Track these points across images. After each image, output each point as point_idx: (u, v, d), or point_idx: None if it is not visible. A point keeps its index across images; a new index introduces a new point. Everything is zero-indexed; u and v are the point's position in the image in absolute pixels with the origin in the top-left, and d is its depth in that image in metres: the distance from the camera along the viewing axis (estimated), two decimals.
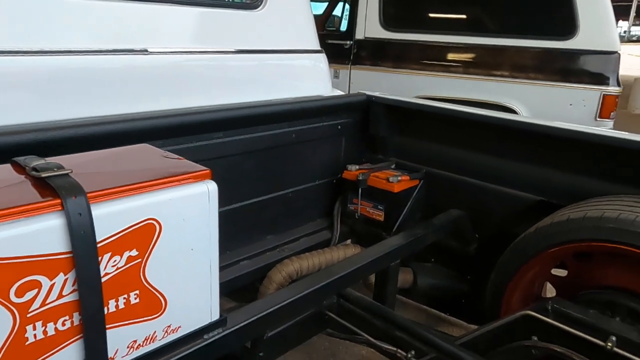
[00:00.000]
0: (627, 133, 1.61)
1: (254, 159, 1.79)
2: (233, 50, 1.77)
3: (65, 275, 0.78)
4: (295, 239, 1.99)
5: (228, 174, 1.69)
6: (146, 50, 1.48)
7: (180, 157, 1.03)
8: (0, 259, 0.71)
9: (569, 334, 1.17)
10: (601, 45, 3.65)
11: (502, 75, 3.95)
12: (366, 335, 1.61)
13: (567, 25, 3.68)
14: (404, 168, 2.09)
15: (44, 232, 0.75)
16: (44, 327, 0.78)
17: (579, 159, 1.68)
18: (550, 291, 1.73)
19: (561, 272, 1.68)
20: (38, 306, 0.76)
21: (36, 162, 0.85)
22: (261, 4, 1.82)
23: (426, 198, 2.05)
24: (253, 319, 1.14)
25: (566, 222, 1.44)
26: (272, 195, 1.90)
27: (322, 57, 2.11)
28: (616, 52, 3.68)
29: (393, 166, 2.13)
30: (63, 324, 0.80)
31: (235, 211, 1.77)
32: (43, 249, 0.75)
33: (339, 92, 2.20)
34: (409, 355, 1.50)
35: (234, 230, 1.78)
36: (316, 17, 5.48)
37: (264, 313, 1.17)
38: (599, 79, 3.68)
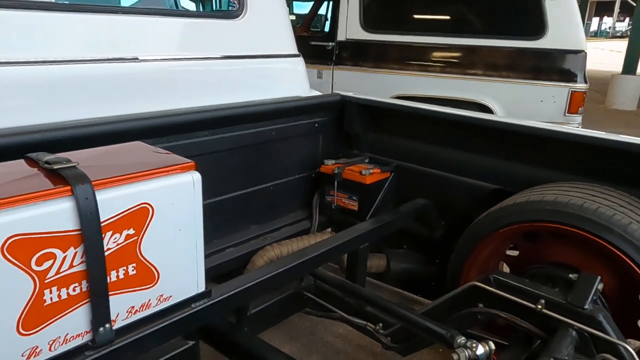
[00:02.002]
0: (568, 128, 1.81)
1: (238, 155, 1.96)
2: (216, 56, 1.94)
3: (75, 248, 0.95)
4: (277, 228, 2.17)
5: (214, 169, 1.86)
6: (137, 58, 1.64)
7: (169, 152, 1.20)
8: (23, 234, 0.88)
9: (507, 299, 1.36)
10: (569, 45, 3.86)
11: (476, 74, 4.15)
12: (340, 312, 1.79)
13: (537, 26, 3.88)
14: (377, 162, 2.27)
15: (58, 213, 0.92)
16: (58, 292, 0.95)
17: (530, 151, 1.86)
18: (506, 270, 1.92)
19: (515, 253, 1.87)
20: (54, 274, 0.93)
21: (47, 156, 1.02)
22: (241, 13, 1.99)
23: (397, 189, 2.23)
24: (234, 291, 1.31)
25: (512, 206, 1.63)
26: (255, 188, 2.07)
27: (300, 61, 2.28)
28: (583, 50, 3.90)
29: (367, 160, 2.31)
30: (74, 290, 0.97)
31: (221, 203, 1.94)
32: (57, 226, 0.92)
33: (316, 93, 2.37)
34: (377, 328, 1.69)
35: (220, 220, 1.94)
36: (303, 17, 5.60)
37: (244, 287, 1.34)
38: (567, 77, 3.89)
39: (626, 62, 9.35)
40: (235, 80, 2.04)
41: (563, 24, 3.87)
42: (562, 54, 3.89)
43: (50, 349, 0.96)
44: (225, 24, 1.95)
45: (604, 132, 1.72)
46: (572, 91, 3.90)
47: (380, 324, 1.68)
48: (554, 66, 3.93)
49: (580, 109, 3.99)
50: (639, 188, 1.59)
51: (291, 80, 2.25)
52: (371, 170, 2.13)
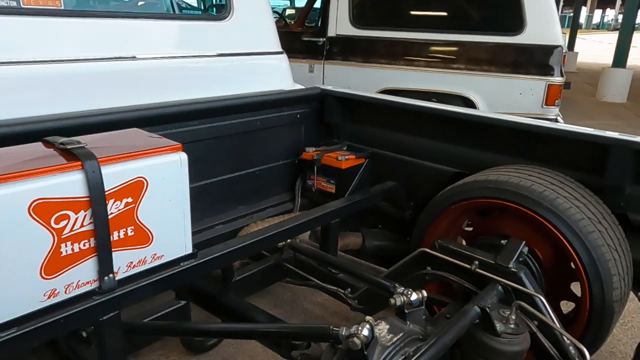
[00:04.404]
0: (516, 118, 2.04)
1: (226, 143, 2.20)
2: (206, 54, 2.18)
3: (85, 211, 1.19)
4: (263, 209, 2.41)
5: (204, 154, 2.09)
6: (134, 57, 1.88)
7: (161, 137, 1.44)
8: (46, 198, 1.12)
9: (449, 262, 1.60)
10: (546, 40, 4.07)
11: (459, 68, 4.36)
12: (316, 280, 2.04)
13: (516, 22, 4.09)
14: (354, 149, 2.51)
15: (71, 183, 1.16)
16: (72, 246, 1.19)
17: (485, 138, 2.09)
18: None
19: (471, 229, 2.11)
20: (68, 231, 1.17)
21: (61, 139, 1.26)
22: (228, 15, 2.22)
23: (372, 173, 2.47)
24: (217, 254, 1.56)
25: (462, 185, 1.87)
26: (242, 172, 2.31)
27: (284, 57, 2.51)
28: (559, 46, 4.10)
29: (345, 148, 2.54)
30: (84, 245, 1.21)
31: (211, 185, 2.18)
32: (71, 193, 1.16)
33: (299, 86, 2.61)
34: (346, 292, 1.93)
35: (210, 200, 2.19)
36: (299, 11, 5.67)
37: (225, 251, 1.59)
38: (545, 71, 4.09)
39: (616, 55, 9.52)
40: (224, 76, 2.27)
41: (541, 20, 4.07)
42: (540, 49, 4.08)
43: (65, 292, 1.21)
44: (214, 25, 2.19)
45: (545, 122, 1.95)
46: (549, 84, 4.10)
47: (349, 289, 1.93)
48: (532, 61, 4.12)
49: (557, 101, 4.20)
50: (572, 169, 1.83)
51: (275, 75, 2.48)
52: (347, 157, 2.37)
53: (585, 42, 26.29)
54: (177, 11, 2.46)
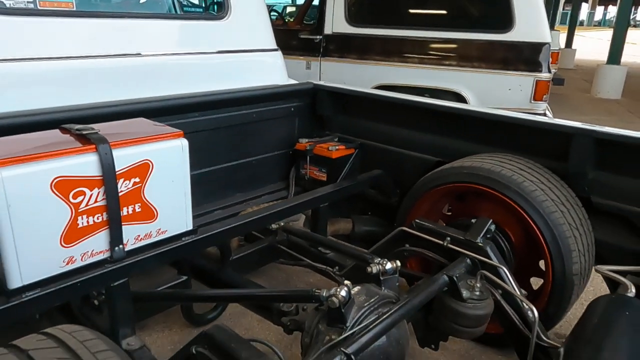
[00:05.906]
0: (494, 110, 2.20)
1: (224, 134, 2.37)
2: (206, 51, 2.34)
3: (98, 189, 1.36)
4: (258, 196, 2.58)
5: (204, 144, 2.26)
6: (139, 54, 2.05)
7: (165, 125, 1.61)
8: (66, 176, 1.29)
9: (424, 239, 1.77)
10: (534, 37, 4.22)
11: (451, 65, 4.52)
12: (307, 260, 2.21)
13: (505, 20, 4.24)
14: (344, 141, 2.67)
15: (87, 163, 1.33)
16: (87, 219, 1.36)
17: (464, 129, 2.25)
18: None
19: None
20: (84, 206, 1.34)
21: (77, 126, 1.43)
22: (226, 15, 2.39)
23: (361, 163, 2.63)
24: (214, 232, 1.73)
25: (440, 171, 2.04)
26: (239, 162, 2.48)
27: (278, 54, 2.68)
28: (547, 43, 4.25)
29: (336, 139, 2.71)
30: (98, 218, 1.38)
31: (210, 173, 2.35)
32: (86, 172, 1.33)
33: (293, 81, 2.77)
34: (334, 270, 2.10)
35: (209, 188, 2.36)
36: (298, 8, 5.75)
37: (222, 229, 1.76)
38: (533, 67, 4.24)
39: (611, 52, 9.65)
40: (222, 71, 2.44)
41: (529, 18, 4.22)
42: (528, 46, 4.24)
43: (81, 259, 1.38)
44: (212, 24, 2.35)
45: (517, 113, 2.12)
46: (536, 80, 4.24)
47: (337, 267, 2.10)
48: (520, 57, 4.27)
49: (544, 96, 4.35)
50: (541, 156, 2.00)
51: (271, 70, 2.65)
52: (337, 147, 2.54)
53: (585, 39, 26.34)
54: (178, 11, 2.62)
